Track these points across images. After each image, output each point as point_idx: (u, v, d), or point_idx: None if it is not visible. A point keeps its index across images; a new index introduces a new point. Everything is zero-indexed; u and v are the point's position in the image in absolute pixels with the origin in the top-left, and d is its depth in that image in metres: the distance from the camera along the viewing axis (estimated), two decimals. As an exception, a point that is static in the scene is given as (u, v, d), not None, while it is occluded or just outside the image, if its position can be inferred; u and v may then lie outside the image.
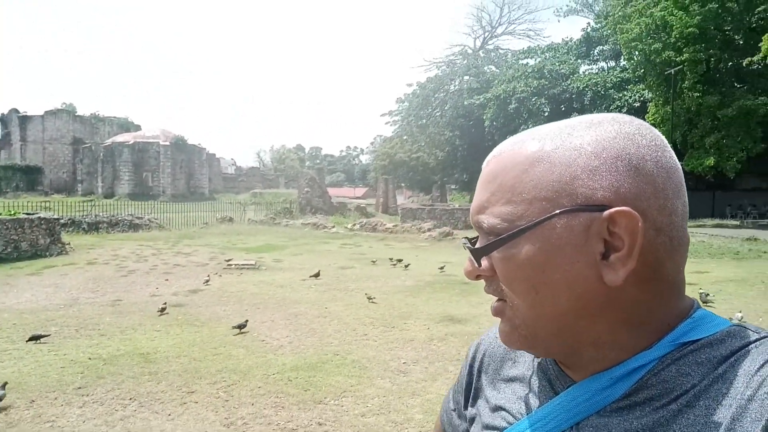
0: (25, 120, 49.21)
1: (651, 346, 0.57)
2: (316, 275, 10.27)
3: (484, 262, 0.61)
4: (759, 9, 23.03)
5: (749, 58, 20.89)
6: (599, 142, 0.57)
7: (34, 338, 6.07)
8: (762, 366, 0.52)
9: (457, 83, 43.16)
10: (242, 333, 6.50)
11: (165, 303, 7.77)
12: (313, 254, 14.43)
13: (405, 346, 6.02)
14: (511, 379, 0.72)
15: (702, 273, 11.06)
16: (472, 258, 0.62)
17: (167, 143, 44.51)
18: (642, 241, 0.54)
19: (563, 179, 0.56)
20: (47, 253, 13.30)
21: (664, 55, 23.35)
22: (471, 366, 0.80)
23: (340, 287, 9.39)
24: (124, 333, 6.55)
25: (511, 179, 0.59)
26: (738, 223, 23.35)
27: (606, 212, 0.55)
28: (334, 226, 22.71)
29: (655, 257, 0.56)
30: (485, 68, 43.15)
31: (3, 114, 51.03)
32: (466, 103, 38.20)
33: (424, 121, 44.25)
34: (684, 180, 0.60)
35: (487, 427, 0.71)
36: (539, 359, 0.70)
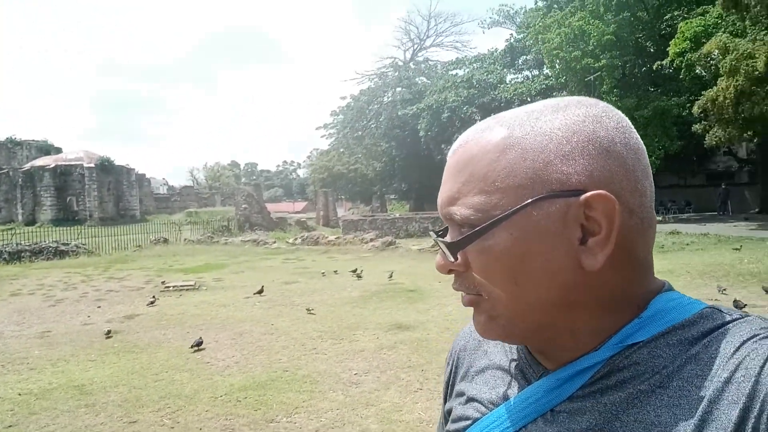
0: (-70, 146, 45.58)
1: (621, 328, 0.57)
2: (260, 292, 10.04)
3: (459, 256, 0.59)
4: (666, 17, 24.82)
5: (659, 62, 22.41)
6: (569, 126, 0.56)
7: None
8: (738, 348, 0.52)
9: (390, 95, 43.74)
10: (186, 356, 6.25)
11: (109, 329, 7.55)
12: (255, 271, 14.12)
13: (355, 357, 5.97)
14: (483, 370, 0.72)
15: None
16: (446, 252, 0.60)
17: (92, 165, 42.40)
18: (619, 224, 0.55)
19: (536, 165, 0.55)
20: (-37, 287, 12.32)
21: (583, 62, 24.64)
22: (449, 364, 0.80)
23: (286, 302, 9.22)
24: (56, 365, 6.15)
25: (482, 168, 0.57)
26: (660, 218, 24.78)
27: (582, 197, 0.54)
28: (275, 242, 22.33)
29: (628, 239, 0.56)
30: (416, 79, 43.98)
31: None
32: (400, 113, 38.75)
33: (360, 133, 44.52)
34: (649, 161, 0.61)
35: (459, 418, 0.70)
36: (510, 348, 0.70)
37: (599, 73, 24.41)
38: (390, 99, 43.08)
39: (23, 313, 9.31)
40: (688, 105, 22.70)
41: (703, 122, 20.31)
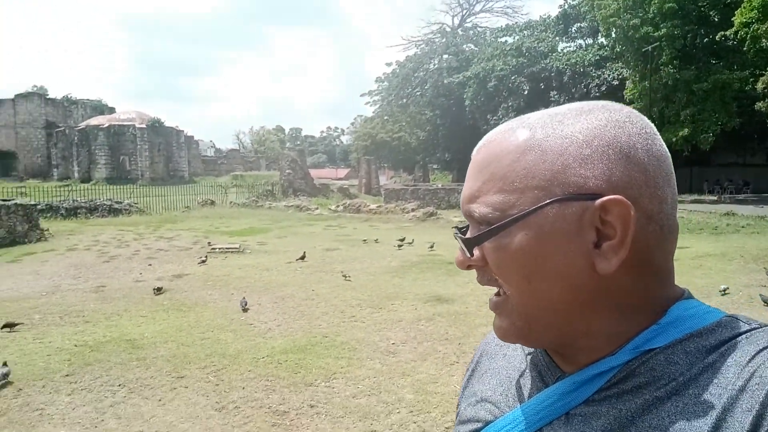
0: (-6, 104, 47.76)
1: (639, 334, 0.58)
2: (302, 258, 10.25)
3: (476, 252, 0.61)
4: (734, -15, 23.22)
5: (722, 33, 21.14)
6: (590, 130, 0.57)
7: (8, 326, 6.00)
8: (753, 357, 0.52)
9: (436, 62, 42.93)
10: (231, 316, 6.49)
11: (160, 286, 7.94)
12: (298, 236, 14.39)
13: (393, 326, 6.07)
14: (499, 372, 0.73)
15: (682, 248, 11.29)
16: (464, 248, 0.62)
17: (143, 126, 43.64)
18: (634, 230, 0.55)
19: (555, 168, 0.56)
20: (26, 240, 13.06)
21: (642, 31, 23.48)
22: (469, 369, 0.81)
23: (326, 269, 9.40)
24: (110, 319, 6.49)
25: (502, 168, 0.58)
26: (715, 198, 23.79)
27: (598, 201, 0.55)
28: (317, 208, 22.63)
29: (646, 245, 0.57)
30: (464, 46, 42.94)
31: (-29, 98, 49.47)
32: (445, 81, 38.06)
33: (405, 100, 44.06)
34: (673, 168, 0.60)
35: (469, 419, 0.71)
36: (529, 352, 0.70)
37: (658, 42, 23.23)
38: (436, 66, 42.30)
39: (80, 268, 9.82)
40: (751, 80, 21.43)
41: (767, 99, 19.18)
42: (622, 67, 27.75)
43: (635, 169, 0.56)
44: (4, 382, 4.52)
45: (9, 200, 14.29)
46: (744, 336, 0.55)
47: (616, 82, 28.45)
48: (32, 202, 14.96)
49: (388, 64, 45.04)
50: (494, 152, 0.60)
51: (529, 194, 0.56)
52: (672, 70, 23.49)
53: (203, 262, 10.22)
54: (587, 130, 0.57)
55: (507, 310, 0.62)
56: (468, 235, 0.62)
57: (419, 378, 4.61)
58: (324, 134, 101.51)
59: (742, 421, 0.49)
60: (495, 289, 0.64)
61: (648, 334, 0.57)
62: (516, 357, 0.72)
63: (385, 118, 47.17)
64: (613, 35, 25.69)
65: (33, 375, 4.72)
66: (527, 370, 0.69)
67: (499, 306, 0.63)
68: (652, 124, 0.60)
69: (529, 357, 0.70)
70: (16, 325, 6.08)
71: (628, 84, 26.08)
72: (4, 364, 4.68)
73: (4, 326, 5.98)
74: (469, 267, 0.63)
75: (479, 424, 0.69)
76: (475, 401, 0.72)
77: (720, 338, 0.56)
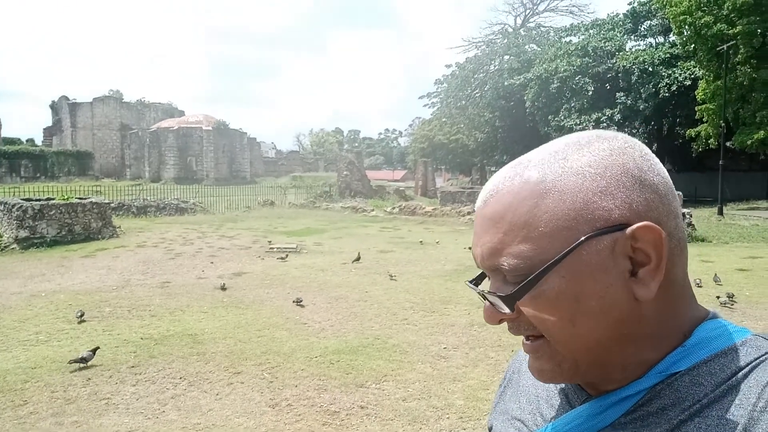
0: (74, 107, 51.05)
1: (665, 356, 0.58)
2: (357, 259, 10.35)
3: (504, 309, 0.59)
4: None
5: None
6: (598, 162, 0.57)
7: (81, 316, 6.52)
8: None
9: (497, 63, 42.26)
10: (286, 315, 6.65)
11: (223, 283, 8.30)
12: (353, 238, 14.55)
13: (445, 331, 6.04)
14: (529, 391, 0.74)
15: (756, 258, 10.64)
16: (501, 304, 0.59)
17: (210, 128, 45.42)
18: (667, 251, 0.56)
19: (577, 206, 0.56)
20: (99, 236, 13.84)
21: (715, 29, 22.26)
22: (501, 385, 0.83)
23: (380, 271, 9.46)
24: (173, 314, 6.80)
25: (521, 216, 0.57)
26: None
27: (629, 230, 0.55)
28: (373, 210, 22.80)
29: (671, 263, 0.58)
30: (526, 47, 42.06)
31: (54, 101, 53.04)
32: (506, 83, 37.41)
33: (464, 102, 43.61)
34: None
35: None
36: None
37: (734, 41, 21.96)
38: (497, 68, 41.66)
39: (148, 264, 10.33)
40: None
41: None
42: (694, 66, 26.41)
43: (649, 191, 0.57)
44: (82, 366, 4.90)
45: (85, 198, 15.20)
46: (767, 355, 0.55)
47: (688, 82, 27.10)
48: (106, 201, 15.85)
49: (448, 66, 44.68)
50: (507, 202, 0.59)
51: (558, 237, 0.56)
52: (748, 69, 22.14)
53: (284, 259, 10.80)
54: (596, 162, 0.57)
55: (548, 354, 0.60)
56: (494, 290, 0.60)
57: (470, 384, 4.57)
58: (382, 136, 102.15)
59: None
60: None
61: (674, 356, 0.58)
62: None
63: (443, 120, 46.93)
64: (685, 33, 24.47)
65: (101, 365, 5.01)
66: (555, 391, 0.69)
67: (538, 350, 0.61)
68: (643, 144, 0.61)
69: None
70: (83, 315, 6.57)
71: (701, 84, 24.79)
72: (95, 349, 5.12)
73: (80, 315, 6.48)
74: (500, 321, 0.61)
75: None
76: (507, 419, 0.74)
77: (745, 358, 0.56)
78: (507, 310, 0.59)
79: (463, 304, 7.13)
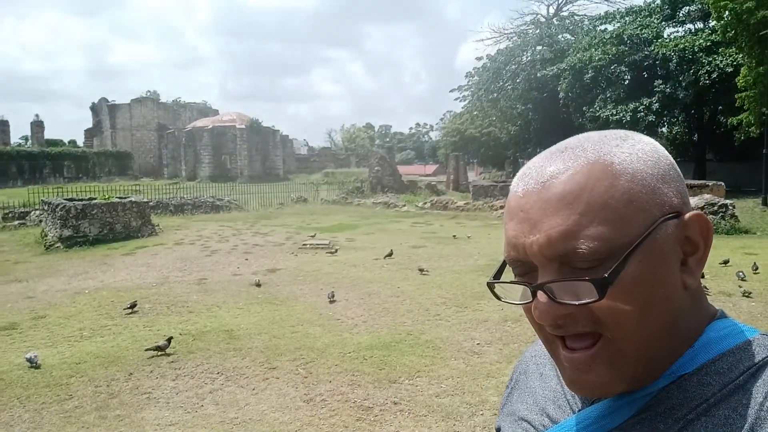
0: (113, 108, 52.52)
1: (676, 358, 0.58)
2: (389, 255, 10.37)
3: (570, 298, 0.54)
4: None
5: None
6: (650, 152, 0.58)
7: (132, 307, 6.90)
8: None
9: (529, 54, 41.57)
10: (319, 311, 6.72)
11: (258, 279, 8.44)
12: (385, 233, 14.58)
13: (478, 326, 6.00)
14: (536, 392, 0.73)
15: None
16: (592, 291, 0.53)
17: (243, 126, 46.07)
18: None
19: (647, 189, 0.55)
20: (139, 234, 14.24)
21: (759, 15, 21.37)
22: (508, 387, 0.82)
23: (412, 266, 9.45)
24: (210, 310, 6.95)
25: (600, 196, 0.54)
26: None
27: (687, 216, 0.56)
28: (404, 205, 22.78)
29: None
30: (559, 37, 41.27)
31: (94, 103, 54.68)
32: (539, 74, 36.79)
33: (495, 95, 43.05)
34: None
35: None
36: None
37: (778, 25, 21.05)
38: (529, 59, 40.98)
39: (185, 261, 10.57)
40: None
41: None
42: (736, 53, 25.45)
43: (682, 183, 0.59)
44: (160, 353, 5.27)
45: (125, 198, 15.66)
46: None
47: (730, 69, 26.11)
48: (145, 200, 16.29)
49: (479, 59, 44.13)
50: (580, 182, 0.55)
51: (635, 219, 0.54)
52: (794, 54, 21.22)
53: (334, 253, 11.08)
54: (650, 151, 0.58)
55: (607, 359, 0.55)
56: (546, 280, 0.55)
57: (503, 380, 4.53)
58: (413, 130, 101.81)
59: None
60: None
61: (683, 359, 0.58)
62: (552, 377, 0.72)
63: (475, 113, 46.40)
64: (725, 19, 23.59)
65: (142, 360, 5.16)
66: (562, 392, 0.69)
67: (596, 358, 0.55)
68: None
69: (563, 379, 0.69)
70: (135, 305, 6.94)
71: (742, 70, 23.87)
72: (170, 339, 5.43)
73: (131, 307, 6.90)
74: (557, 319, 0.55)
75: None
76: (514, 420, 0.73)
77: (753, 358, 0.56)
78: (594, 297, 0.53)
79: (496, 300, 7.05)
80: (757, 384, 0.53)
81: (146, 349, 5.33)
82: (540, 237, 0.55)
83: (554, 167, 0.57)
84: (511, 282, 0.61)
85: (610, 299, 0.53)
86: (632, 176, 0.55)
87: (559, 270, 0.55)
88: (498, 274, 0.62)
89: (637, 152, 0.57)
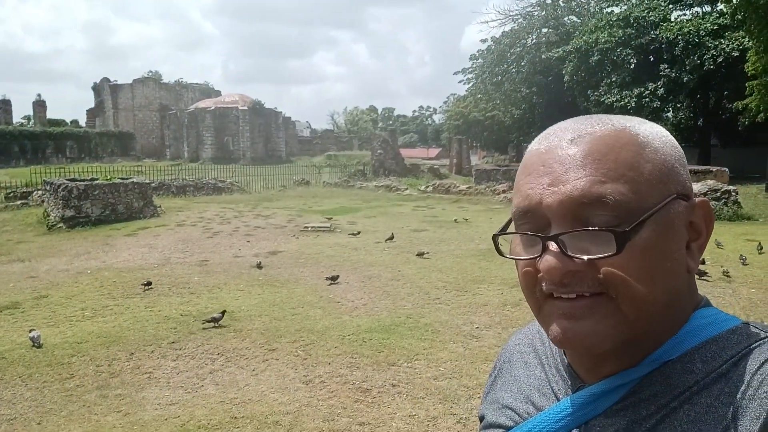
0: (115, 88, 52.29)
1: (660, 344, 0.59)
2: (391, 238, 10.38)
3: (581, 255, 0.54)
4: None
5: None
6: (666, 136, 0.60)
7: (148, 284, 7.09)
8: (762, 365, 0.53)
9: (534, 37, 41.14)
10: (320, 293, 6.75)
11: (260, 261, 8.45)
12: (387, 216, 14.58)
13: (478, 310, 6.03)
14: (520, 380, 0.73)
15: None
16: (616, 242, 0.53)
17: (245, 108, 45.87)
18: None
19: (667, 165, 0.58)
20: (141, 215, 14.27)
21: (770, -3, 21.06)
22: (491, 374, 0.82)
23: (413, 250, 9.46)
24: (211, 291, 6.99)
25: (629, 157, 0.56)
26: None
27: (698, 200, 0.59)
28: (407, 188, 22.75)
29: None
30: (565, 19, 40.83)
31: (96, 83, 54.41)
32: (544, 57, 36.46)
33: (499, 78, 42.69)
34: None
35: (491, 425, 0.72)
36: (548, 360, 0.70)
37: (788, 8, 20.75)
38: (534, 41, 40.57)
39: (187, 243, 10.61)
40: None
41: None
42: (743, 37, 25.13)
43: (688, 171, 0.61)
44: (215, 325, 5.53)
45: (127, 179, 15.66)
46: (757, 344, 0.56)
47: (736, 53, 25.83)
48: (147, 181, 16.30)
49: (483, 41, 43.76)
50: (608, 144, 0.56)
51: (655, 189, 0.56)
52: (803, 39, 20.94)
53: (356, 234, 11.18)
54: (666, 135, 0.60)
55: (607, 313, 0.55)
56: (590, 228, 0.54)
57: (502, 364, 4.56)
58: (416, 113, 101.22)
59: (751, 429, 0.50)
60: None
61: (667, 346, 0.58)
62: (536, 366, 0.72)
63: (479, 96, 46.08)
64: (734, 1, 23.26)
65: (144, 341, 5.21)
66: (546, 380, 0.69)
67: (594, 308, 0.55)
68: None
69: (548, 366, 0.70)
70: (151, 284, 7.12)
71: (750, 56, 23.60)
72: (223, 312, 5.70)
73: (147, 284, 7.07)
74: (564, 274, 0.55)
75: (500, 430, 0.70)
76: (497, 408, 0.73)
77: (735, 347, 0.56)
78: (611, 251, 0.53)
79: (496, 284, 7.09)
80: (739, 372, 0.54)
81: (202, 321, 5.60)
82: (563, 188, 0.55)
83: (583, 127, 0.59)
84: (520, 233, 0.59)
85: (623, 258, 0.53)
86: (656, 150, 0.58)
87: (572, 225, 0.55)
88: (504, 230, 0.63)
89: (657, 132, 0.60)
